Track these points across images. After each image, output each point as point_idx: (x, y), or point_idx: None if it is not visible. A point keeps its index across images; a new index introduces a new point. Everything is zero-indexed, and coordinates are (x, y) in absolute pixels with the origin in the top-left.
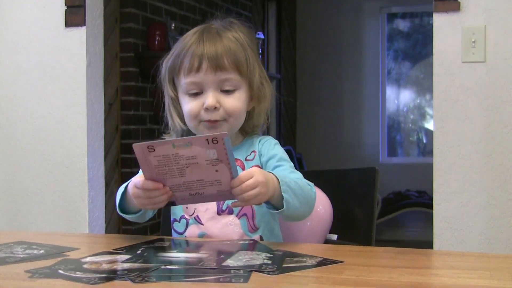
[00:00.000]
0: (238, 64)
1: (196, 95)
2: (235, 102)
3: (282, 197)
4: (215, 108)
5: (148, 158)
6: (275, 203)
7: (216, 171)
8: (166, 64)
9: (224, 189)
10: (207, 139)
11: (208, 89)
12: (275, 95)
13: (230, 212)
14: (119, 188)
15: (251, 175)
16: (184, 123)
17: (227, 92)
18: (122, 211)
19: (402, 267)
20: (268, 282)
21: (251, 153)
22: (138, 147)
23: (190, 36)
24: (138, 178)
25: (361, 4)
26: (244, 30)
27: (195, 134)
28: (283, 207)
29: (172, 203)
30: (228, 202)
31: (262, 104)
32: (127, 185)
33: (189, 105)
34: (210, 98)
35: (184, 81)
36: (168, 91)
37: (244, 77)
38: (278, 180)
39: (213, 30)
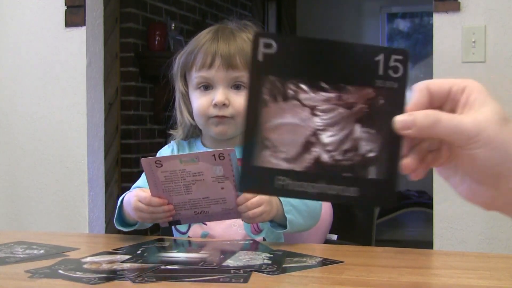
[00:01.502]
0: None
1: (206, 89)
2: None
3: (285, 217)
4: (223, 104)
5: (155, 174)
6: (278, 222)
7: (222, 188)
8: (179, 60)
9: (229, 207)
10: (213, 155)
11: (218, 86)
12: None
13: None
14: (118, 201)
15: (248, 197)
16: (193, 118)
17: (237, 90)
18: (120, 224)
19: (402, 267)
20: (268, 282)
21: None
22: (146, 162)
23: (204, 34)
24: (143, 193)
25: (361, 4)
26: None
27: (201, 131)
28: (286, 226)
29: (177, 221)
30: None
31: None
32: (123, 199)
33: (198, 101)
34: (219, 95)
35: (196, 75)
36: (179, 86)
37: None
38: (280, 200)
39: (228, 29)
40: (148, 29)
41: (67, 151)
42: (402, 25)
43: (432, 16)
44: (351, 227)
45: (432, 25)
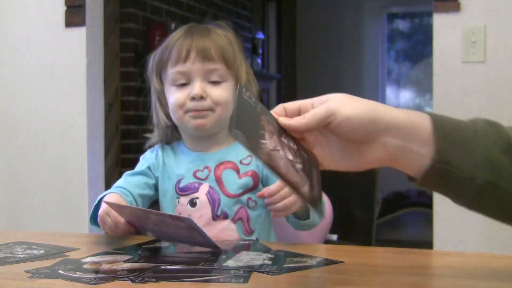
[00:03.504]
0: (225, 56)
1: (183, 86)
2: (222, 92)
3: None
4: (201, 97)
5: (122, 211)
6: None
7: (190, 234)
8: (153, 58)
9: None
10: (171, 216)
11: (195, 79)
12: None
13: (225, 217)
14: (98, 198)
15: (281, 186)
16: (169, 119)
17: (214, 83)
18: (93, 222)
19: (402, 267)
20: (268, 282)
21: (247, 157)
22: (110, 205)
23: (178, 32)
24: (114, 212)
25: (361, 4)
26: (231, 32)
27: (178, 129)
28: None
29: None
30: (223, 207)
31: None
32: (101, 199)
33: (175, 95)
34: (196, 88)
35: (171, 71)
36: (154, 85)
37: (231, 71)
38: None
39: (202, 26)
40: (148, 29)
41: (67, 151)
42: (402, 25)
43: (432, 16)
44: (351, 227)
45: (432, 25)
